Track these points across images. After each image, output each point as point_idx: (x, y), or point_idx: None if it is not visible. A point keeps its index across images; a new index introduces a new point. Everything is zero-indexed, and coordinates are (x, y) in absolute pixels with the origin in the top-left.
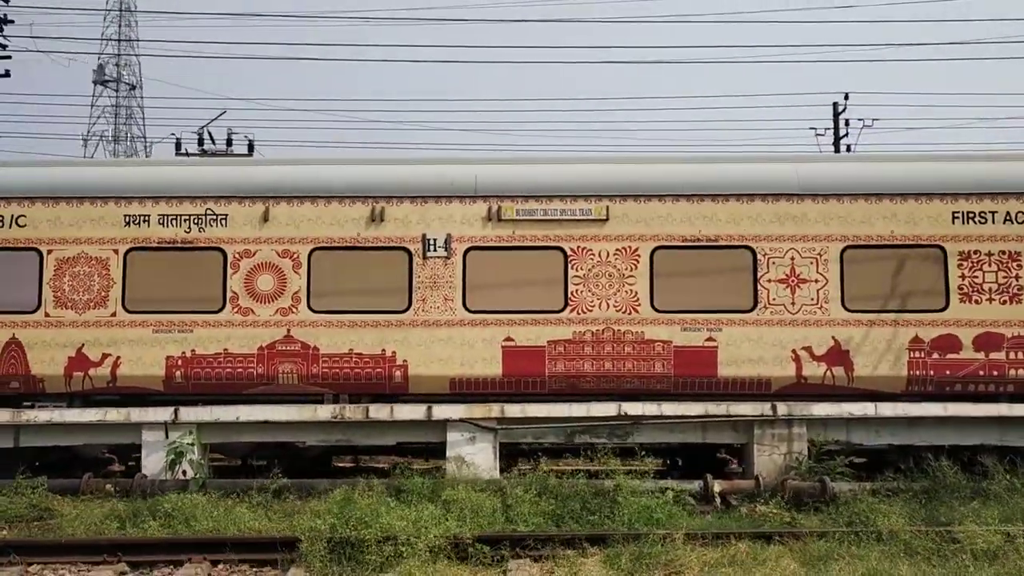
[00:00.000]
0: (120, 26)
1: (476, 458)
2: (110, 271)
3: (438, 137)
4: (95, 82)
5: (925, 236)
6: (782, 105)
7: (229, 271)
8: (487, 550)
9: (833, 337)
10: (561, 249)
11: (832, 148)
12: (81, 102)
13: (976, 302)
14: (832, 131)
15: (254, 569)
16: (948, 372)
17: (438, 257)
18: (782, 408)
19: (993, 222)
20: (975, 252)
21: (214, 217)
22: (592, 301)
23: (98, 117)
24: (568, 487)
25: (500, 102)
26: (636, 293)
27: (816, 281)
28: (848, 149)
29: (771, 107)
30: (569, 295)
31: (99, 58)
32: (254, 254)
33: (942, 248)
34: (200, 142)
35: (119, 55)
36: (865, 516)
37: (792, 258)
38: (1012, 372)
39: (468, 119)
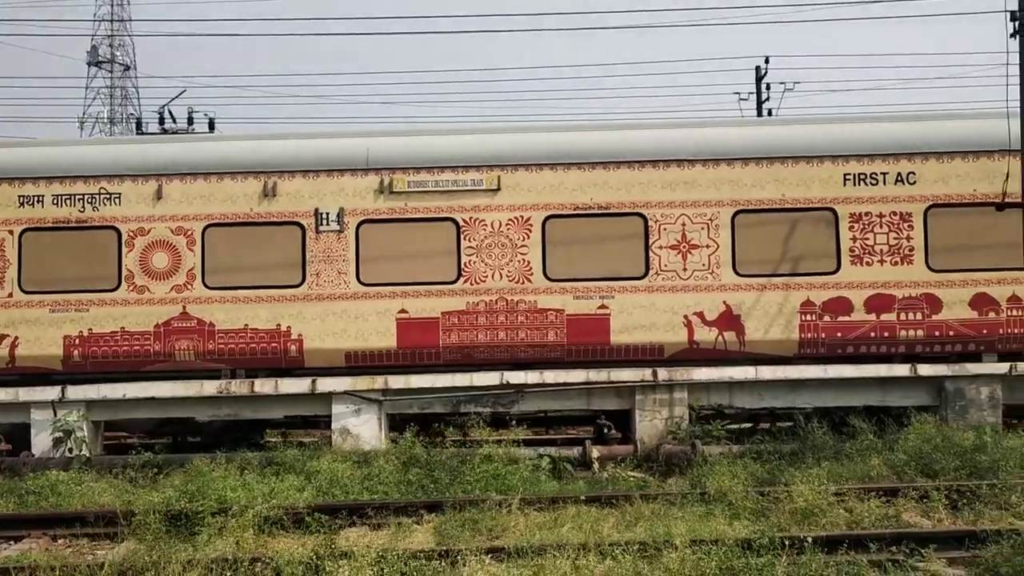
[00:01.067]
0: (113, 6)
1: (361, 429)
2: (5, 252)
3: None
4: (89, 63)
5: (816, 199)
6: (709, 71)
7: (124, 249)
8: (324, 519)
9: (724, 302)
10: (454, 220)
11: (755, 112)
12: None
13: (867, 264)
14: (755, 95)
15: (92, 543)
16: (840, 335)
17: (331, 231)
18: (663, 373)
19: (884, 183)
20: (866, 214)
21: (108, 196)
22: (485, 272)
23: (93, 99)
24: (435, 456)
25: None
26: (529, 263)
27: (707, 246)
28: (770, 113)
29: (695, 72)
30: (462, 266)
31: (92, 39)
32: (148, 232)
33: (833, 210)
34: (161, 121)
35: (112, 35)
36: (703, 479)
37: (683, 224)
38: (903, 333)
39: (449, 91)
